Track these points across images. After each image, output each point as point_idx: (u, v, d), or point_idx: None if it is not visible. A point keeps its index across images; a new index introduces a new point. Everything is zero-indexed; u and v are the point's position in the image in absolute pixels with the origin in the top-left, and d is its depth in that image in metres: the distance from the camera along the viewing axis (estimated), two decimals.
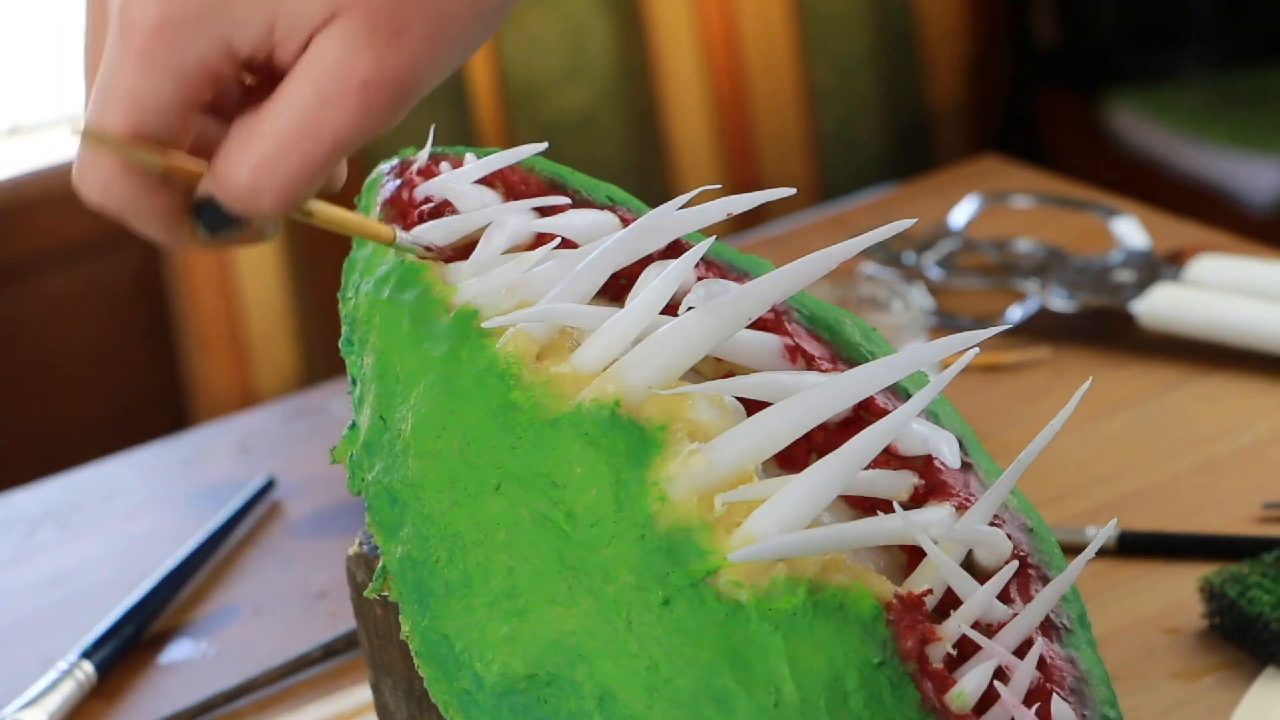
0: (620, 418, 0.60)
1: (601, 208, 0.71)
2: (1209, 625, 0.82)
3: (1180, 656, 0.81)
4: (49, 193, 1.72)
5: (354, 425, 0.67)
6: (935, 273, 1.16)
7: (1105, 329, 1.09)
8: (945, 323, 1.11)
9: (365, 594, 0.65)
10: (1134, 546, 0.87)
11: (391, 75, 0.59)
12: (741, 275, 0.69)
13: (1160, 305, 1.06)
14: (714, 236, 0.66)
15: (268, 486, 1.05)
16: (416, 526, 0.62)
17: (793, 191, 0.66)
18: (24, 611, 0.98)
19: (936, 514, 0.60)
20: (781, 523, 0.57)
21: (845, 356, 0.67)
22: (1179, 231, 1.20)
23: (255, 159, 0.60)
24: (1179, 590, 0.84)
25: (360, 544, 0.70)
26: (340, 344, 0.69)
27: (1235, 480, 0.93)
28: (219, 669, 0.91)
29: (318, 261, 1.70)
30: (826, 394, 0.59)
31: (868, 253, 1.17)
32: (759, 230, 1.57)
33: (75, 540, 1.04)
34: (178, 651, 0.93)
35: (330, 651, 0.91)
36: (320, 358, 1.69)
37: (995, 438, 0.98)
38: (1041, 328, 1.10)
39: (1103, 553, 0.88)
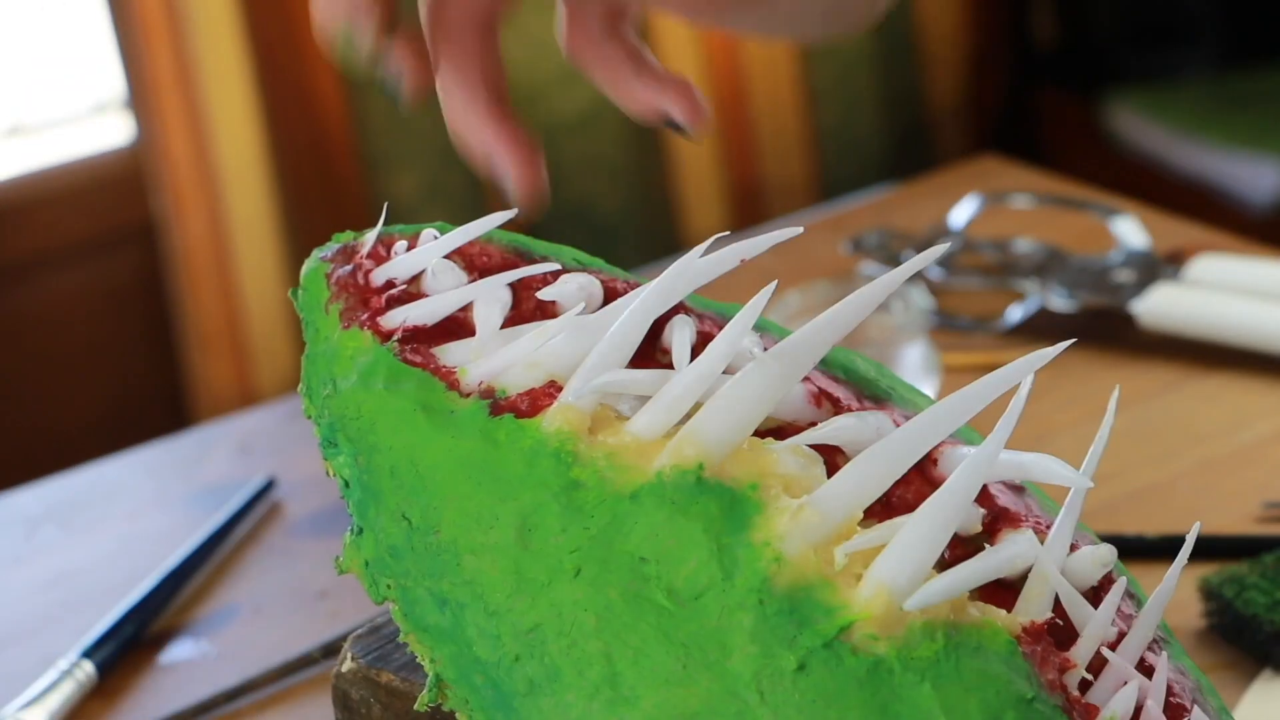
0: (707, 481, 0.57)
1: (575, 271, 0.68)
2: (1208, 625, 0.82)
3: None
4: (49, 193, 1.72)
5: (361, 530, 0.63)
6: (935, 273, 1.16)
7: (1105, 329, 1.09)
8: (945, 323, 1.11)
9: (417, 706, 0.61)
10: (1134, 547, 0.87)
11: None
12: (720, 318, 0.67)
13: (1160, 305, 1.06)
14: (772, 285, 0.62)
15: (268, 486, 1.05)
16: (481, 626, 0.58)
17: (800, 230, 0.64)
18: (24, 611, 0.98)
19: (1027, 538, 0.59)
20: (910, 567, 0.54)
21: (868, 394, 0.65)
22: (1179, 231, 1.20)
23: None
24: (1178, 590, 0.84)
25: (353, 658, 0.66)
26: (321, 447, 0.65)
27: (1235, 480, 0.93)
28: (219, 669, 0.91)
29: None
30: (913, 433, 0.57)
31: (868, 253, 1.17)
32: (759, 230, 1.57)
33: (75, 540, 1.04)
34: (178, 651, 0.93)
35: (330, 651, 0.90)
36: None
37: None
38: (1041, 328, 1.10)
39: None
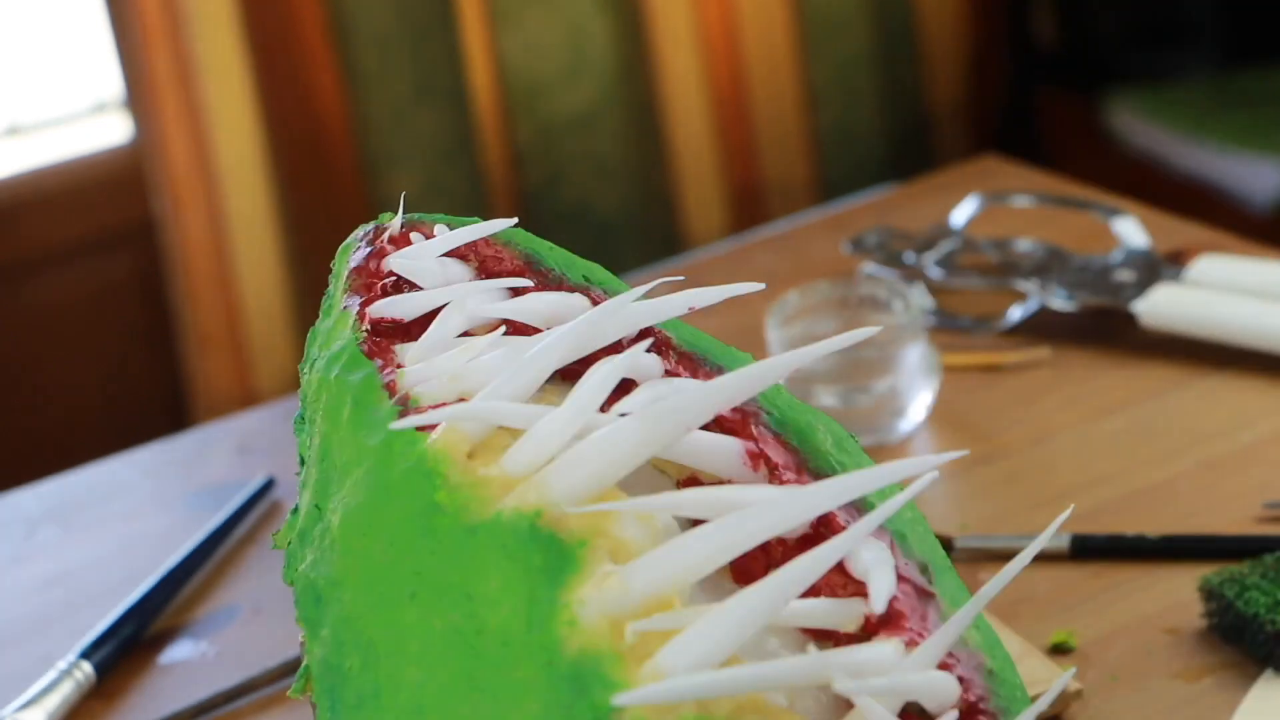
0: (540, 530, 0.55)
1: (574, 288, 0.67)
2: (1208, 625, 0.81)
3: (1180, 657, 0.80)
4: (49, 193, 1.72)
5: (295, 510, 0.63)
6: (935, 272, 1.16)
7: (1106, 329, 1.09)
8: (945, 323, 1.11)
9: (289, 694, 0.61)
10: (1134, 547, 0.87)
11: None
12: (714, 370, 0.65)
13: (1160, 305, 1.06)
14: (660, 335, 0.60)
15: (267, 486, 1.05)
16: (335, 629, 0.58)
17: (761, 286, 0.63)
18: (24, 611, 0.98)
19: (880, 651, 0.56)
20: (695, 657, 0.52)
21: (812, 467, 0.63)
22: (1179, 231, 1.20)
23: None
24: (1179, 590, 0.84)
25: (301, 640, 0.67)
26: (294, 421, 0.66)
27: (1235, 480, 0.93)
28: (219, 669, 0.91)
29: (318, 261, 1.70)
30: (758, 519, 0.54)
31: (868, 253, 1.17)
32: (759, 230, 1.57)
33: (75, 540, 1.04)
34: (177, 651, 0.93)
35: None
36: None
37: (995, 438, 0.98)
38: (1041, 328, 1.10)
39: (1102, 554, 0.88)
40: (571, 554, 0.55)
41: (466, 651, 0.55)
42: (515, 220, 0.68)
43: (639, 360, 0.61)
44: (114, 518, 1.06)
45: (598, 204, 1.78)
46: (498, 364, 0.61)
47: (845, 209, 1.35)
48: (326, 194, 1.71)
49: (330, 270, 0.71)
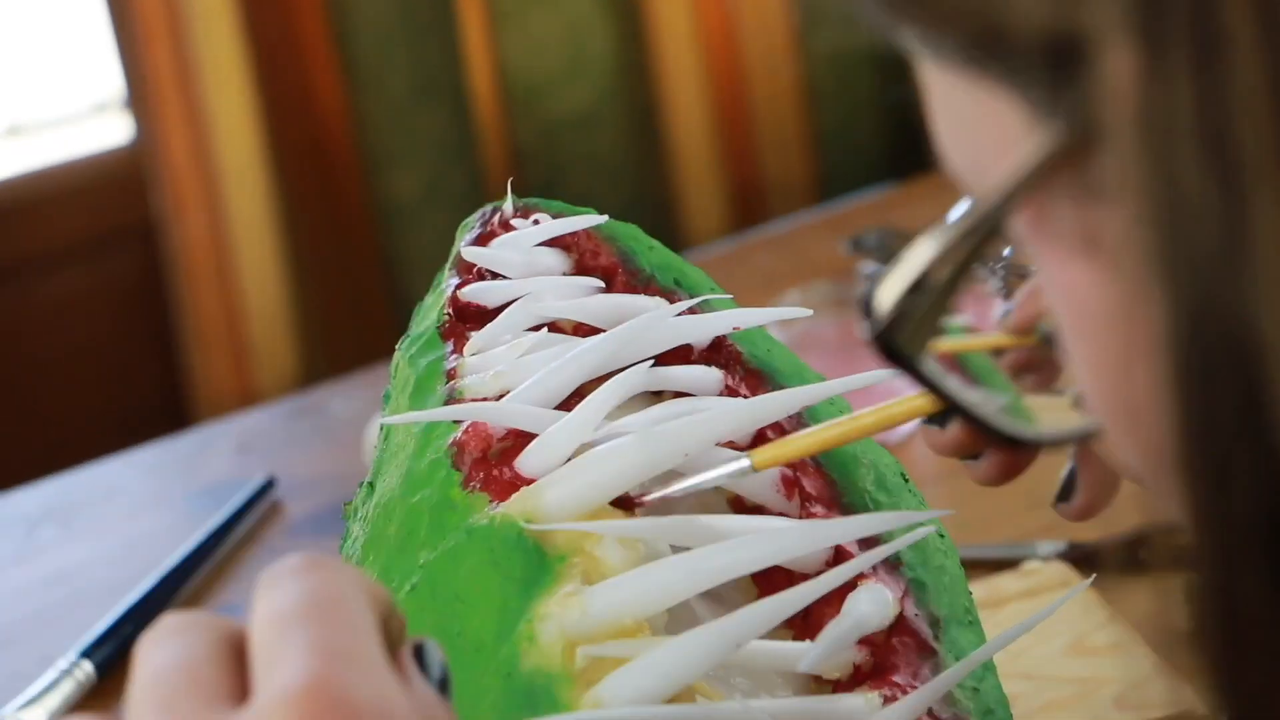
0: (525, 540, 0.55)
1: (660, 291, 0.66)
2: None
3: (1179, 657, 0.80)
4: (49, 193, 1.72)
5: (363, 483, 0.63)
6: None
7: None
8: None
9: None
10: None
11: None
12: (779, 385, 0.64)
13: None
14: (730, 349, 0.60)
15: (267, 486, 1.05)
16: None
17: (809, 313, 0.62)
18: (24, 610, 0.98)
19: (850, 704, 0.54)
20: (638, 690, 0.51)
21: (844, 502, 0.61)
22: None
23: None
24: (1177, 590, 0.84)
25: None
26: (383, 395, 0.66)
27: None
28: None
29: (318, 261, 1.70)
30: (734, 554, 0.53)
31: (868, 253, 1.17)
32: (759, 230, 1.57)
33: (75, 539, 1.04)
34: None
35: None
36: (320, 358, 1.69)
37: None
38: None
39: (1101, 554, 0.88)
40: (550, 568, 0.54)
41: (447, 651, 0.54)
42: (604, 218, 0.68)
43: (696, 374, 0.61)
44: (114, 518, 1.06)
45: (598, 203, 1.77)
46: (538, 365, 0.61)
47: (845, 209, 1.35)
48: (326, 194, 1.71)
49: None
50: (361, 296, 1.72)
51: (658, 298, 0.66)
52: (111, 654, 0.91)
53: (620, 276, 0.67)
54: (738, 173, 1.83)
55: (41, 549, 1.04)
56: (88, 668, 0.90)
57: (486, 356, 0.62)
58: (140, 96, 1.67)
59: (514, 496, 0.56)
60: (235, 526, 1.02)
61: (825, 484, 0.61)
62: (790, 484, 0.60)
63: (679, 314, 0.62)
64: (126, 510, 1.07)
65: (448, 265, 0.68)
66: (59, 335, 1.72)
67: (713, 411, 0.57)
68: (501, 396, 0.60)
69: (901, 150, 1.94)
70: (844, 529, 0.55)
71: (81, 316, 1.73)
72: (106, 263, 1.73)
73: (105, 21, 1.69)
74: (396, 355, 0.66)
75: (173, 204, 1.66)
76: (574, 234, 0.68)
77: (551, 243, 0.68)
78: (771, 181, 1.84)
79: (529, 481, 0.57)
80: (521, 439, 0.59)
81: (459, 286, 0.66)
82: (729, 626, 0.51)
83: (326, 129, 1.70)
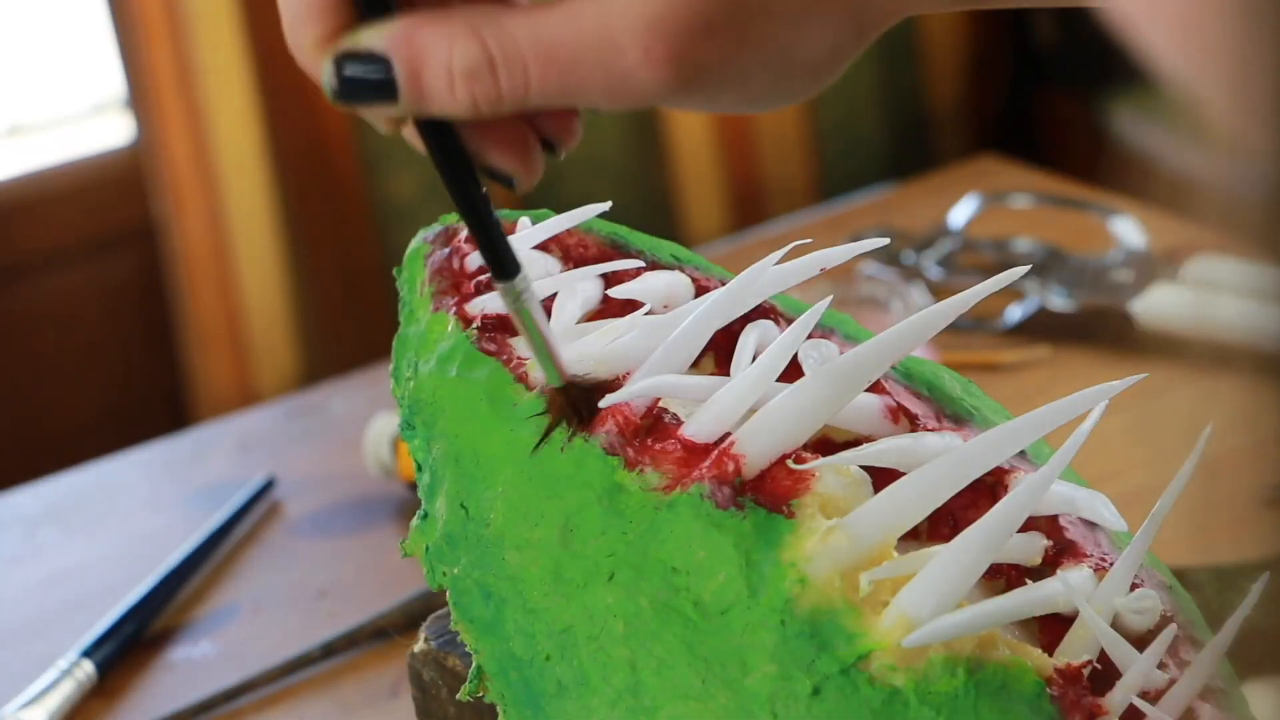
0: (743, 496, 0.56)
1: (670, 267, 0.67)
2: None
3: None
4: (49, 193, 1.72)
5: (426, 515, 0.62)
6: (935, 272, 1.16)
7: (1104, 328, 1.09)
8: None
9: (459, 696, 0.60)
10: None
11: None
12: (827, 332, 0.65)
13: (1158, 305, 1.06)
14: (830, 298, 0.62)
15: (267, 486, 1.05)
16: (519, 622, 0.58)
17: (886, 241, 0.63)
18: (24, 610, 0.98)
19: (1078, 577, 0.57)
20: (935, 599, 0.52)
21: (949, 413, 0.63)
22: (1177, 231, 1.20)
23: (489, 44, 0.52)
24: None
25: (426, 639, 0.67)
26: (399, 428, 0.65)
27: (1234, 480, 0.93)
28: (219, 668, 0.91)
29: (318, 261, 1.70)
30: (961, 459, 0.55)
31: (868, 253, 1.17)
32: (759, 230, 1.57)
33: (75, 539, 1.04)
34: (178, 651, 0.93)
35: (330, 651, 0.91)
36: (320, 358, 1.69)
37: None
38: (1041, 327, 1.10)
39: None
40: (780, 515, 0.55)
41: (682, 623, 0.55)
42: (607, 205, 0.68)
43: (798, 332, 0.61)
44: (114, 518, 1.06)
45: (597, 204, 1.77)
46: (640, 343, 0.61)
47: (845, 209, 1.35)
48: (326, 194, 1.71)
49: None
50: (361, 296, 1.72)
51: (678, 271, 0.66)
52: (111, 654, 0.91)
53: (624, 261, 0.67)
54: (738, 173, 1.83)
55: (41, 549, 1.04)
56: (88, 668, 0.90)
57: (564, 351, 0.61)
58: (141, 97, 1.67)
59: (711, 459, 0.56)
60: (235, 526, 1.02)
61: (923, 402, 0.63)
62: (895, 411, 0.61)
63: (774, 264, 0.62)
64: (126, 510, 1.07)
65: (417, 292, 0.67)
66: (59, 335, 1.72)
67: (880, 339, 0.58)
68: (616, 381, 0.60)
69: (901, 150, 1.94)
70: (1016, 431, 0.56)
71: (81, 316, 1.73)
72: (107, 263, 1.73)
73: (106, 22, 1.69)
74: (413, 384, 0.65)
75: (173, 204, 1.66)
76: (554, 236, 0.67)
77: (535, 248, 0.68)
78: (771, 181, 1.84)
79: (704, 447, 0.57)
80: (659, 414, 0.59)
81: (459, 303, 0.65)
82: (993, 525, 0.53)
83: (326, 129, 1.70)
